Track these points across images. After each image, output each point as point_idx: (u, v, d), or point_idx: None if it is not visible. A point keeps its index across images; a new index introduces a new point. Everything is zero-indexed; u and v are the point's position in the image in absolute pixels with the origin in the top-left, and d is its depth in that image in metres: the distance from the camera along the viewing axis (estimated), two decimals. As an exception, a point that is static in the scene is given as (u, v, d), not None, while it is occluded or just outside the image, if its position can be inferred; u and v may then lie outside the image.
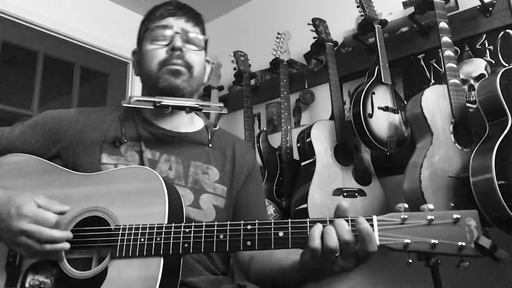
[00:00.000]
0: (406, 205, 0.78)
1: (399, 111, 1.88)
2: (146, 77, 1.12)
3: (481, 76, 1.89)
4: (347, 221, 0.77)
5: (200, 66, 1.13)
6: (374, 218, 0.77)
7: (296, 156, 2.16)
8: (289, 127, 2.24)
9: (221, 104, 1.05)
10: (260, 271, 1.04)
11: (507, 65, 1.82)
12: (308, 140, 1.96)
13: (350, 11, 2.28)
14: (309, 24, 2.19)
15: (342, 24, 2.36)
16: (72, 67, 2.88)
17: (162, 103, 1.01)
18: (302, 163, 2.02)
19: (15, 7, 2.54)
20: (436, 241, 0.73)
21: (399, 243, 0.74)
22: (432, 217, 0.75)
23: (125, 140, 1.07)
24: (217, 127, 1.16)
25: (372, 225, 0.76)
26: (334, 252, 0.75)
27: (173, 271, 0.87)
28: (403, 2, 2.17)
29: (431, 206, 0.77)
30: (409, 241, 0.74)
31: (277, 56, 2.33)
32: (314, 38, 2.16)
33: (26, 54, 2.68)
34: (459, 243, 0.72)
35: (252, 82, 2.65)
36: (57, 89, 2.93)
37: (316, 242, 0.76)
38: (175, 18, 1.11)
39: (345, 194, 1.88)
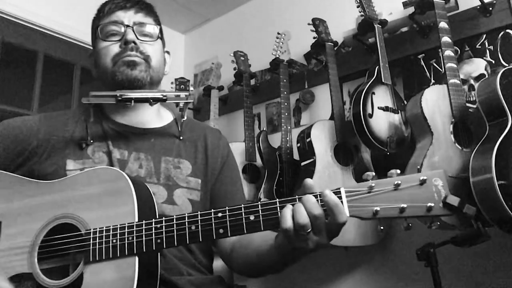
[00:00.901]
0: (373, 173, 0.77)
1: (399, 111, 1.88)
2: (103, 75, 1.08)
3: (481, 76, 1.89)
4: (316, 196, 0.77)
5: (157, 56, 1.09)
6: (342, 189, 0.76)
7: (296, 156, 2.16)
8: (289, 127, 2.24)
9: (187, 93, 1.01)
10: (242, 262, 1.03)
11: (507, 65, 1.82)
12: (308, 140, 1.96)
13: (350, 11, 2.28)
14: (309, 24, 2.19)
15: (342, 24, 2.36)
16: (72, 67, 2.88)
17: (124, 96, 0.97)
18: (302, 163, 2.02)
19: (15, 7, 2.54)
20: (405, 205, 0.73)
21: (368, 211, 0.74)
22: (399, 182, 0.74)
23: (91, 141, 1.03)
24: (185, 118, 1.09)
25: (340, 197, 0.76)
26: (306, 228, 0.75)
27: (150, 270, 0.85)
28: (403, 2, 2.16)
29: (398, 171, 0.76)
30: (378, 208, 0.74)
31: (277, 56, 2.33)
32: (314, 38, 2.16)
33: (26, 54, 2.68)
34: (428, 204, 0.73)
35: (252, 82, 2.65)
36: (57, 89, 2.93)
37: (288, 223, 0.75)
38: (124, 11, 1.08)
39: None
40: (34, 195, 0.94)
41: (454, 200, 0.72)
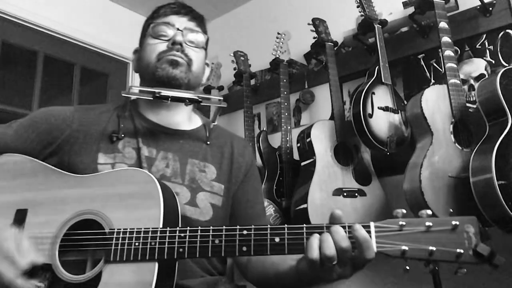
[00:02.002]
0: (404, 211, 0.76)
1: (399, 111, 1.88)
2: (144, 69, 1.11)
3: (481, 76, 1.89)
4: (344, 227, 0.76)
5: (199, 63, 1.13)
6: (372, 224, 0.75)
7: (296, 156, 2.16)
8: (289, 127, 2.24)
9: (221, 97, 1.05)
10: (257, 273, 1.04)
11: (507, 65, 1.82)
12: (308, 140, 1.96)
13: (350, 11, 2.28)
14: (309, 24, 2.19)
15: (342, 24, 2.36)
16: (72, 67, 2.88)
17: (162, 93, 1.00)
18: (302, 163, 2.02)
19: (15, 7, 2.54)
20: (434, 248, 0.72)
21: (396, 250, 0.73)
22: (430, 224, 0.73)
23: (123, 136, 1.06)
24: (216, 123, 1.14)
25: (369, 232, 0.75)
26: (332, 260, 0.74)
27: (168, 275, 0.85)
28: (403, 2, 2.17)
29: (429, 212, 0.75)
30: (406, 248, 0.73)
31: (277, 56, 2.33)
32: (314, 38, 2.16)
33: (26, 54, 2.68)
34: (457, 250, 0.71)
35: (252, 82, 2.65)
36: (57, 89, 2.93)
37: (315, 253, 0.75)
38: (178, 16, 1.12)
39: (345, 194, 1.88)
40: (62, 187, 0.95)
41: (485, 250, 0.71)
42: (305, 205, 1.82)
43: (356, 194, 1.89)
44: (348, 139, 1.97)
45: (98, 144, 1.04)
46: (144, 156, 1.04)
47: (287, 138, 2.22)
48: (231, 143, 1.17)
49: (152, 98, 1.01)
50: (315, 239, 0.76)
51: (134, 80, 3.12)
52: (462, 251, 0.71)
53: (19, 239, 0.85)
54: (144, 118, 1.12)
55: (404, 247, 0.73)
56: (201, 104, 1.05)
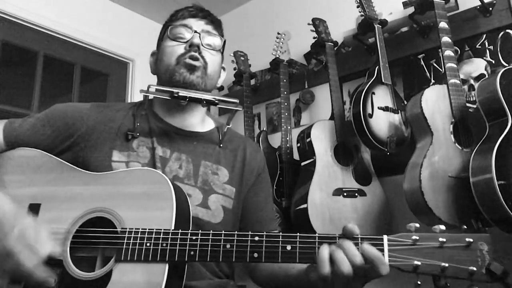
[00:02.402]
0: (418, 225, 0.76)
1: (399, 111, 1.88)
2: (162, 72, 1.12)
3: (481, 76, 1.89)
4: (356, 240, 0.76)
5: (215, 66, 1.14)
6: (385, 237, 0.76)
7: (296, 156, 2.16)
8: (289, 127, 2.24)
9: (237, 100, 1.06)
10: (266, 275, 1.05)
11: (507, 65, 1.82)
12: (308, 140, 1.96)
13: (350, 11, 2.28)
14: (309, 24, 2.19)
15: (342, 24, 2.36)
16: (72, 67, 2.88)
17: (180, 93, 1.02)
18: (302, 163, 2.02)
19: (15, 7, 2.54)
20: (447, 265, 0.72)
21: (409, 264, 0.73)
22: (444, 240, 0.73)
23: (138, 134, 1.07)
24: (230, 125, 1.16)
25: (382, 245, 0.75)
26: (348, 277, 0.74)
27: (177, 277, 0.86)
28: (403, 2, 2.17)
29: (442, 227, 0.75)
30: (419, 263, 0.73)
31: (277, 56, 2.33)
32: (314, 38, 2.16)
33: (26, 54, 2.68)
34: (470, 268, 0.71)
35: (252, 82, 2.65)
36: (57, 89, 2.93)
37: (326, 269, 0.74)
38: (196, 19, 1.14)
39: (345, 194, 1.88)
40: (76, 183, 0.95)
41: (498, 269, 0.70)
42: (305, 205, 1.82)
43: (356, 194, 1.89)
44: (348, 139, 1.97)
45: (113, 141, 1.05)
46: (158, 156, 1.05)
47: (287, 138, 2.22)
48: (244, 147, 1.18)
49: (170, 98, 1.03)
50: (325, 251, 0.75)
51: (134, 80, 3.12)
52: (475, 268, 0.71)
53: (38, 228, 0.85)
54: (159, 119, 1.13)
55: (417, 262, 0.73)
56: (217, 106, 1.07)
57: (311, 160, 1.94)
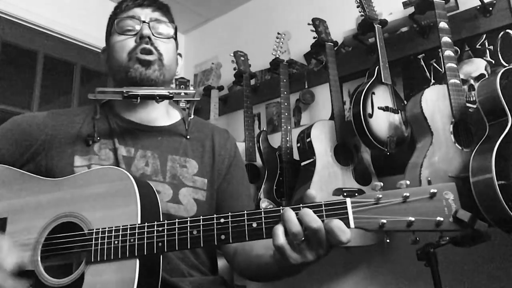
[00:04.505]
0: (381, 184, 0.75)
1: (399, 111, 1.88)
2: (115, 69, 1.08)
3: (481, 76, 1.89)
4: (320, 207, 0.75)
5: (170, 54, 1.09)
6: (348, 200, 0.74)
7: (296, 156, 2.16)
8: (289, 127, 2.24)
9: (193, 91, 1.02)
10: (243, 266, 1.03)
11: (507, 65, 1.82)
12: (308, 140, 1.96)
13: (350, 11, 2.28)
14: (309, 24, 2.19)
15: (342, 24, 2.36)
16: (72, 67, 2.88)
17: (131, 93, 0.98)
18: (302, 163, 2.02)
19: (15, 7, 2.54)
20: (413, 219, 0.70)
21: (374, 224, 0.72)
22: (408, 194, 0.72)
23: (98, 138, 1.04)
24: (192, 116, 1.10)
25: (345, 208, 0.74)
26: (298, 237, 0.73)
27: (152, 272, 0.85)
28: (403, 2, 2.17)
29: (408, 182, 0.74)
30: (384, 221, 0.71)
31: (277, 56, 2.33)
32: (314, 38, 2.16)
33: (26, 54, 2.68)
34: (437, 218, 0.70)
35: (252, 82, 2.65)
36: (57, 89, 2.93)
37: (280, 240, 0.74)
38: (141, 8, 1.09)
39: (345, 194, 1.87)
40: (39, 192, 0.94)
41: (465, 216, 0.69)
42: (305, 205, 1.82)
43: (356, 194, 1.88)
44: (348, 139, 1.97)
45: (73, 147, 1.03)
46: (122, 156, 1.02)
47: (287, 138, 2.22)
48: (212, 136, 1.14)
49: (121, 98, 0.99)
50: (279, 226, 0.75)
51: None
52: (442, 218, 0.70)
53: None
54: (121, 118, 1.10)
55: (382, 220, 0.71)
56: (173, 99, 1.02)
57: (311, 160, 1.94)
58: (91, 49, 2.93)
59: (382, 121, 1.82)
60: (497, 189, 1.30)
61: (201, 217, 0.80)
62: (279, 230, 0.74)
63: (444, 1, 1.74)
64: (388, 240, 0.74)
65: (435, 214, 0.70)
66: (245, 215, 0.78)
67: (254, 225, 0.77)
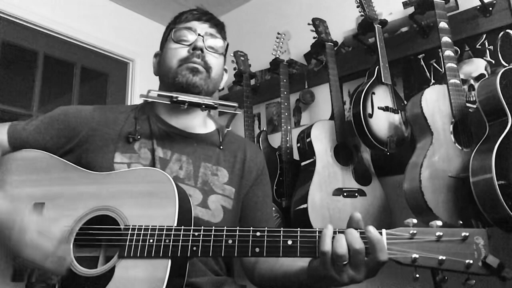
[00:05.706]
0: (415, 220, 0.78)
1: (399, 111, 1.88)
2: (165, 73, 1.13)
3: (481, 76, 1.89)
4: (361, 233, 0.78)
5: (218, 69, 1.15)
6: (383, 231, 0.77)
7: (296, 156, 2.16)
8: (289, 127, 2.24)
9: (236, 104, 1.07)
10: (265, 274, 1.05)
11: (507, 65, 1.82)
12: (308, 140, 1.96)
13: (350, 11, 2.28)
14: (309, 24, 2.19)
15: (342, 24, 2.36)
16: (72, 67, 2.88)
17: (179, 98, 1.03)
18: (302, 163, 2.02)
19: (15, 7, 2.54)
20: (444, 257, 0.74)
21: (407, 257, 0.75)
22: (441, 234, 0.76)
23: (139, 137, 1.08)
24: (230, 128, 1.17)
25: None
26: (343, 259, 0.76)
27: (179, 273, 0.87)
28: (403, 2, 2.17)
29: (439, 223, 0.77)
30: (417, 256, 0.75)
31: (277, 56, 2.34)
32: (314, 38, 2.16)
33: (26, 54, 2.68)
34: (467, 261, 0.73)
35: (252, 82, 2.65)
36: (57, 89, 2.93)
37: (327, 246, 0.77)
38: (200, 22, 1.15)
39: (345, 194, 1.88)
40: (80, 183, 0.97)
41: (494, 262, 0.73)
42: (305, 205, 1.82)
43: (356, 194, 1.90)
44: (348, 139, 1.97)
45: (115, 143, 1.07)
46: (158, 158, 1.06)
47: (287, 138, 2.22)
48: (244, 148, 1.19)
49: (169, 102, 1.04)
50: (327, 231, 0.78)
51: (134, 80, 3.12)
52: (471, 261, 0.73)
53: (41, 218, 0.90)
54: (162, 121, 1.14)
55: (415, 255, 0.75)
56: (217, 110, 1.07)
57: (311, 160, 1.94)
58: (91, 49, 2.93)
59: (382, 121, 1.82)
60: (497, 189, 1.31)
61: (238, 228, 0.84)
62: (328, 237, 0.78)
63: (444, 1, 1.74)
64: (417, 276, 0.76)
65: (466, 256, 0.74)
66: (281, 231, 0.82)
67: (289, 242, 0.81)
